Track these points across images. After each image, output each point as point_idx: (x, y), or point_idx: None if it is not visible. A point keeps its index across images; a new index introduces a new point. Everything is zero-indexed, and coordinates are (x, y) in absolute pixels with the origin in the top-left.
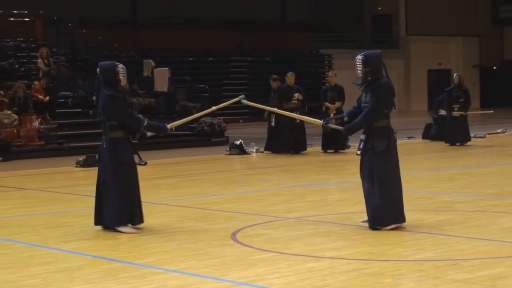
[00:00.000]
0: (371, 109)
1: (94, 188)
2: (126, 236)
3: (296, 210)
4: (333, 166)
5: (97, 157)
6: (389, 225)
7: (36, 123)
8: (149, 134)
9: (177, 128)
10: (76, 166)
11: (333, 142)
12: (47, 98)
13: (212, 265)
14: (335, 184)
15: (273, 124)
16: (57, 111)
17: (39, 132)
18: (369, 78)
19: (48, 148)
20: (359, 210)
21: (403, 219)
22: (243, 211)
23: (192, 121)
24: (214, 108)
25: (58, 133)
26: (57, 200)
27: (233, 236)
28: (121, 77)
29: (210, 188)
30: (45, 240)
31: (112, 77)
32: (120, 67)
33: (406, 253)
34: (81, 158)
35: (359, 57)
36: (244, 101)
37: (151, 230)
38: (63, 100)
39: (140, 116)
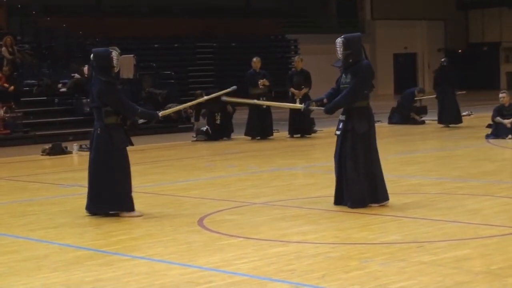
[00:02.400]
0: (352, 88)
1: (59, 176)
2: (92, 224)
3: (263, 195)
4: (299, 151)
5: (89, 142)
6: (378, 203)
7: (1, 112)
8: (140, 121)
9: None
10: (42, 155)
11: (300, 127)
12: (12, 87)
13: (179, 251)
14: (301, 169)
15: (218, 122)
16: (22, 99)
17: (4, 121)
18: (350, 60)
19: (13, 137)
20: (326, 194)
21: (387, 197)
22: (210, 197)
23: (158, 109)
24: (205, 97)
25: (24, 121)
26: (23, 189)
27: (200, 222)
28: (115, 63)
29: (176, 174)
30: (10, 229)
31: (106, 63)
32: (114, 53)
33: (372, 236)
34: (47, 146)
35: (339, 40)
36: (224, 98)
37: (118, 217)
38: (28, 88)
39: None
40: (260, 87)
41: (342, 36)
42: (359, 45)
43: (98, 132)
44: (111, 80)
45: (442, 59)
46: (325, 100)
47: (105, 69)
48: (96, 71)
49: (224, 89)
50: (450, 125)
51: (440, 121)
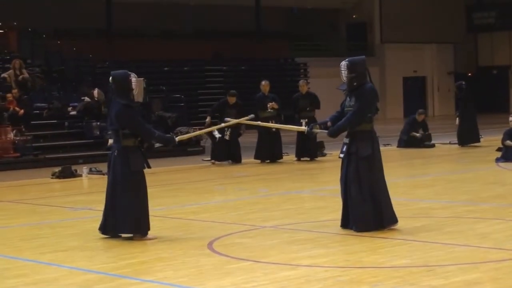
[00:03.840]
0: (356, 112)
1: (69, 199)
2: (102, 247)
3: (273, 218)
4: (309, 174)
5: (107, 165)
6: (383, 227)
7: (11, 135)
8: (157, 145)
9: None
10: (51, 178)
11: (306, 150)
12: (22, 111)
13: (189, 274)
14: (311, 192)
15: (227, 137)
16: (32, 122)
17: (14, 144)
18: (354, 83)
19: (23, 160)
20: (336, 218)
21: (395, 220)
22: (220, 220)
23: (168, 132)
24: (223, 125)
25: (34, 144)
26: (33, 212)
27: (210, 245)
28: (133, 86)
29: (186, 197)
30: (20, 252)
31: (125, 86)
32: (133, 76)
33: (382, 260)
34: (56, 169)
35: (343, 63)
36: (228, 119)
37: (128, 240)
38: (38, 111)
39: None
40: (269, 110)
41: (347, 59)
42: (364, 68)
43: (116, 154)
44: (130, 103)
45: (463, 82)
46: (329, 123)
47: (123, 91)
48: (114, 94)
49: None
50: (470, 145)
51: (461, 142)
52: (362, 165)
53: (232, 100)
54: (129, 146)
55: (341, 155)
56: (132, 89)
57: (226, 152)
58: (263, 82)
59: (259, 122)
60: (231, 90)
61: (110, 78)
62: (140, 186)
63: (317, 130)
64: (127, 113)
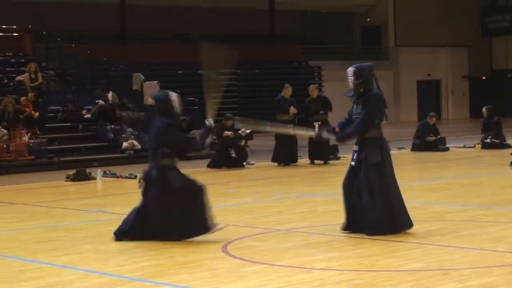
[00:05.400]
0: (363, 119)
1: (83, 202)
2: (116, 250)
3: (287, 221)
4: (323, 178)
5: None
6: (397, 232)
7: (26, 138)
8: (207, 142)
9: None
10: (66, 180)
11: (318, 153)
12: (37, 114)
13: (203, 277)
14: (325, 195)
15: (233, 155)
16: (47, 125)
17: (29, 146)
18: (361, 90)
19: (38, 162)
20: None
21: (410, 224)
22: (234, 223)
23: None
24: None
25: (48, 147)
26: (47, 214)
27: (224, 248)
28: (175, 104)
29: None
30: (35, 254)
31: (166, 107)
32: (174, 95)
33: (396, 263)
34: (71, 172)
35: (350, 69)
36: (238, 123)
37: (142, 243)
38: (52, 114)
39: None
40: (291, 114)
41: (354, 65)
42: (370, 74)
43: (153, 173)
44: (172, 121)
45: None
46: (337, 129)
47: (166, 111)
48: (158, 114)
49: (254, 116)
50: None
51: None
52: (372, 172)
53: (228, 123)
54: (167, 165)
55: (353, 163)
56: (174, 107)
57: (225, 160)
58: (287, 86)
59: (268, 128)
60: (227, 114)
61: (152, 100)
62: (180, 200)
63: (325, 136)
64: (168, 131)
